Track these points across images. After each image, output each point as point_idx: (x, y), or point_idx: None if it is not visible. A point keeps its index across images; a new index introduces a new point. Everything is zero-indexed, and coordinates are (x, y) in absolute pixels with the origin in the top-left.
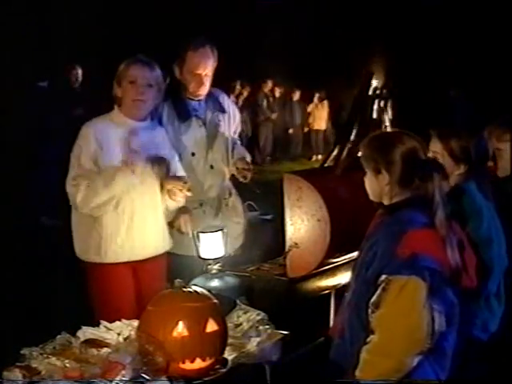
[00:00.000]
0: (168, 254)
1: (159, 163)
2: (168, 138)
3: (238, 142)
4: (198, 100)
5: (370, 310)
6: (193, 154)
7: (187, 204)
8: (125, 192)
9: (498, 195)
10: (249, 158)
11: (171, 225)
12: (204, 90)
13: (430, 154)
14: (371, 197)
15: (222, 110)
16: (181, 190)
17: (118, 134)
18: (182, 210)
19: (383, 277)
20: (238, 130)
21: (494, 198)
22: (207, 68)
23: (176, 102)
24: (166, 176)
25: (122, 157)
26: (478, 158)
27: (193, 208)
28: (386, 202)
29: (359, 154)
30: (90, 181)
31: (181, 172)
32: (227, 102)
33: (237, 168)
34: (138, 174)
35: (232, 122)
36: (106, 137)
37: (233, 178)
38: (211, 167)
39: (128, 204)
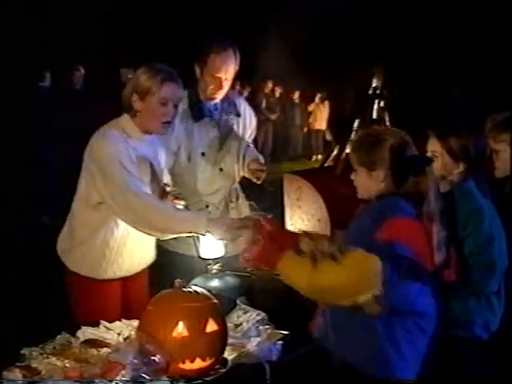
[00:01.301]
0: (169, 252)
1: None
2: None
3: (251, 146)
4: (214, 102)
5: None
6: (203, 154)
7: (193, 206)
8: None
9: (495, 196)
10: (262, 160)
11: None
12: (222, 93)
13: (428, 154)
14: (361, 195)
15: (237, 114)
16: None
17: (132, 147)
18: None
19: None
20: (254, 134)
21: (491, 198)
22: (228, 72)
23: (191, 101)
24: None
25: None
26: (477, 156)
27: (199, 209)
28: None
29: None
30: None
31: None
32: (243, 105)
33: (250, 169)
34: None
35: (248, 126)
36: (127, 153)
37: (242, 180)
38: (220, 170)
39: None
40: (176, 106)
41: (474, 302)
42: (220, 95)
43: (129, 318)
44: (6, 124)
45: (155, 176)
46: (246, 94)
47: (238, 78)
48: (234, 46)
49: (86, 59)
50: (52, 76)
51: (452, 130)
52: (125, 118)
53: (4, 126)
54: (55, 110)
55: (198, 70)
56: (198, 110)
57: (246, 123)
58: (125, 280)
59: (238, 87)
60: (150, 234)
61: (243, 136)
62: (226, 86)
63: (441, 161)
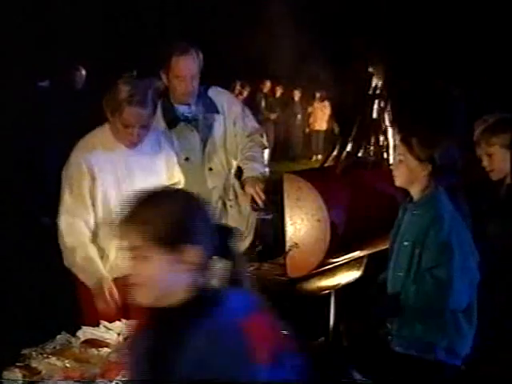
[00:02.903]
0: None
1: None
2: (169, 162)
3: (254, 135)
4: (187, 104)
5: None
6: (186, 159)
7: None
8: None
9: (490, 199)
10: (261, 167)
11: None
12: (192, 93)
13: (396, 157)
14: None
15: (216, 111)
16: None
17: (111, 162)
18: None
19: None
20: (240, 118)
21: (465, 211)
22: (193, 71)
23: (165, 108)
24: None
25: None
26: (443, 157)
27: None
28: None
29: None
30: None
31: None
32: (221, 97)
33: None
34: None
35: (229, 115)
36: (98, 166)
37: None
38: (210, 169)
39: None
40: (145, 127)
41: (436, 321)
42: (191, 96)
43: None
44: (6, 124)
45: (135, 183)
46: (245, 94)
47: (238, 78)
48: (195, 46)
49: (87, 59)
50: (52, 76)
51: (413, 130)
52: (105, 131)
53: (4, 125)
54: (55, 110)
55: (164, 77)
56: (171, 117)
57: (226, 112)
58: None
59: (238, 87)
60: None
61: (228, 128)
62: (195, 85)
63: (405, 164)
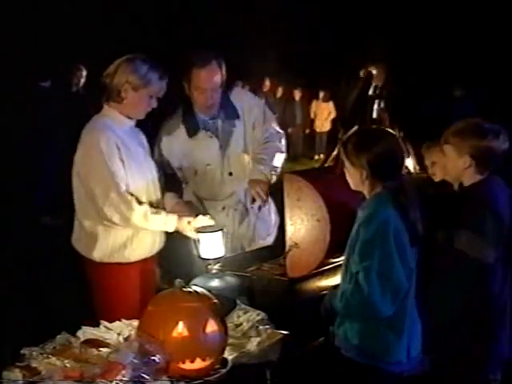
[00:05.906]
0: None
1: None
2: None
3: (275, 140)
4: (209, 113)
5: None
6: (208, 165)
7: (210, 210)
8: None
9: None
10: (267, 170)
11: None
12: (212, 104)
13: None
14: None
15: (236, 116)
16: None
17: (122, 135)
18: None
19: None
20: (261, 123)
21: (409, 220)
22: (213, 83)
23: (186, 116)
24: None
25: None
26: (375, 163)
27: (216, 212)
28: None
29: None
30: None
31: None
32: (243, 100)
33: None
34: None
35: (248, 119)
36: (121, 140)
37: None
38: (230, 174)
39: None
40: (158, 98)
41: (359, 325)
42: (212, 108)
43: (137, 300)
44: (7, 124)
45: (146, 159)
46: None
47: (238, 78)
48: (217, 57)
49: (88, 59)
50: (53, 76)
51: (349, 137)
52: (107, 110)
53: (4, 126)
54: (56, 110)
55: (186, 86)
56: (191, 124)
57: (245, 116)
58: (142, 263)
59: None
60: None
61: (247, 134)
62: (215, 96)
63: (347, 169)
